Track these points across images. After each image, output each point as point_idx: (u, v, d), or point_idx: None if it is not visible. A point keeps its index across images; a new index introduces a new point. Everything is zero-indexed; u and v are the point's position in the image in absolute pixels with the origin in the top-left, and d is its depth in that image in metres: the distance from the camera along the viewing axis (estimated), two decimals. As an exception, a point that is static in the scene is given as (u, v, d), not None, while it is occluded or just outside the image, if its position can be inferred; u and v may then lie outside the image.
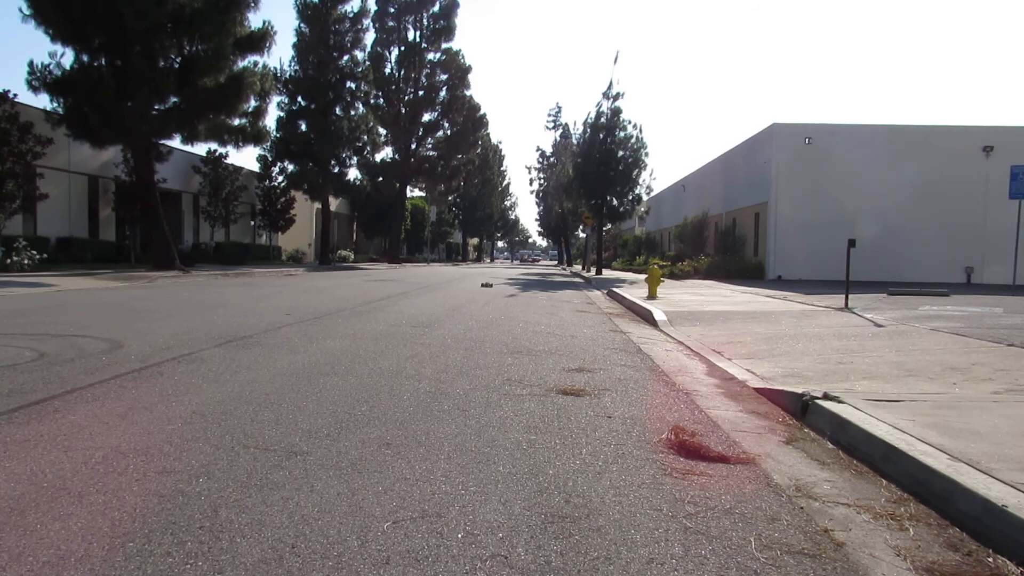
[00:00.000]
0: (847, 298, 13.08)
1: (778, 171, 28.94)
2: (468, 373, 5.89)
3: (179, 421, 4.07)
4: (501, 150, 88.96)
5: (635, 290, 18.19)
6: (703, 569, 2.40)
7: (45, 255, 24.49)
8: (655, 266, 17.48)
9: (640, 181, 34.18)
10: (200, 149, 35.23)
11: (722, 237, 34.24)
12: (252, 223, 43.53)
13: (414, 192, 64.06)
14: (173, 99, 25.68)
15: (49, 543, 2.43)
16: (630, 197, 34.57)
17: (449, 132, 56.83)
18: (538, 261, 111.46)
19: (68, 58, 38.47)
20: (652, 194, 36.73)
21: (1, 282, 17.43)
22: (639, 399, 5.07)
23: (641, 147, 33.82)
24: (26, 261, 22.95)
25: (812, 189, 28.40)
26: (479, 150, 62.84)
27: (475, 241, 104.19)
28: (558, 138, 67.53)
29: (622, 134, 33.70)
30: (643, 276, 23.91)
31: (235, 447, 3.59)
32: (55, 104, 24.79)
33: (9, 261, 22.63)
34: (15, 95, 23.96)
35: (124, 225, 32.23)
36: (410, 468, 3.35)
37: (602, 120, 33.68)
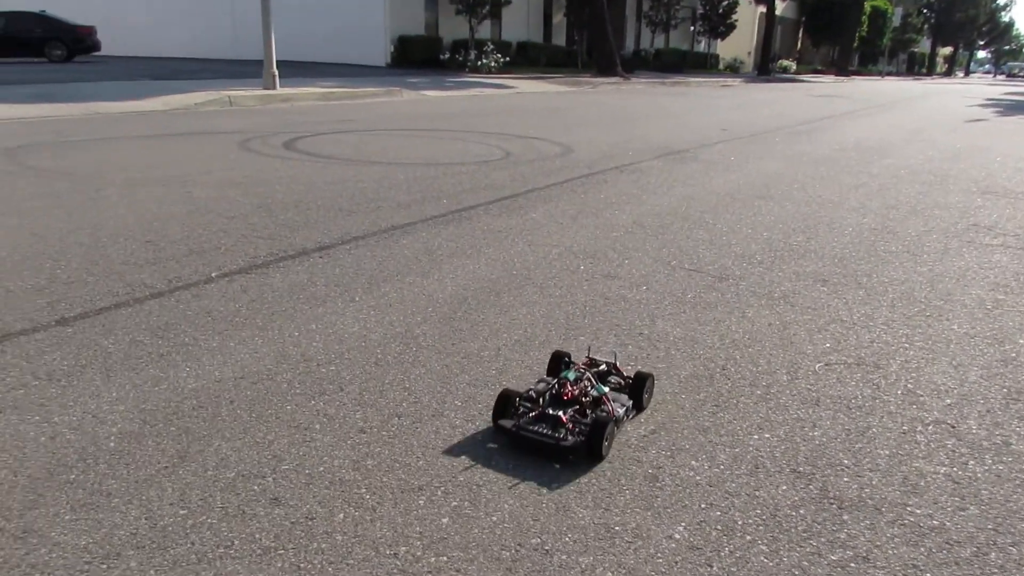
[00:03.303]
0: None
1: None
2: (923, 212, 5.23)
3: (621, 229, 4.37)
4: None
5: None
6: None
7: (507, 58, 27.27)
8: None
9: None
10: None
11: None
12: (692, 28, 42.64)
13: (876, -10, 55.68)
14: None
15: (518, 324, 2.87)
16: None
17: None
18: None
19: None
20: None
21: (473, 82, 20.02)
22: None
23: None
24: (492, 64, 25.87)
25: None
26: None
27: (946, 51, 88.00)
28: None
29: None
30: None
31: (671, 262, 3.76)
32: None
33: (480, 63, 25.75)
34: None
35: (573, 30, 34.06)
36: (847, 310, 3.17)
37: None
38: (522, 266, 3.59)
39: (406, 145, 7.79)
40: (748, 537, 1.68)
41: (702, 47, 44.36)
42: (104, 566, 1.50)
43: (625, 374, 2.26)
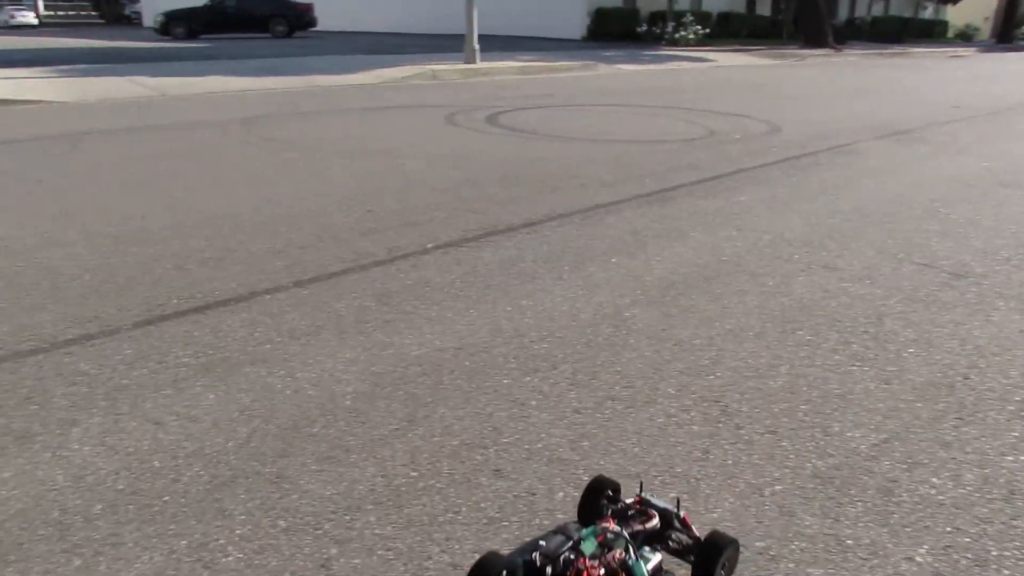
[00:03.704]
0: None
1: None
2: None
3: (839, 216, 4.08)
4: None
5: None
6: None
7: (707, 30, 26.25)
8: None
9: None
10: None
11: None
12: (916, -6, 38.84)
13: None
14: None
15: (731, 313, 2.76)
16: None
17: None
18: None
19: None
20: None
21: (671, 56, 19.48)
22: None
23: None
24: (691, 36, 25.01)
25: None
26: None
27: None
28: None
29: None
30: None
31: (898, 255, 3.46)
32: None
33: (678, 36, 24.98)
34: None
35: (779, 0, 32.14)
36: (1118, 321, 2.76)
37: None
38: (732, 252, 3.45)
39: (605, 121, 7.74)
40: (1006, 572, 1.51)
41: (928, 13, 40.27)
42: (348, 517, 1.62)
43: (695, 532, 1.46)
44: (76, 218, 3.90)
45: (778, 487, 1.76)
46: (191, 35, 25.25)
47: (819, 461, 1.86)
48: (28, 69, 11.60)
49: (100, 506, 1.66)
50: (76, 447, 1.88)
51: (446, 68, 13.34)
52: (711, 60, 19.03)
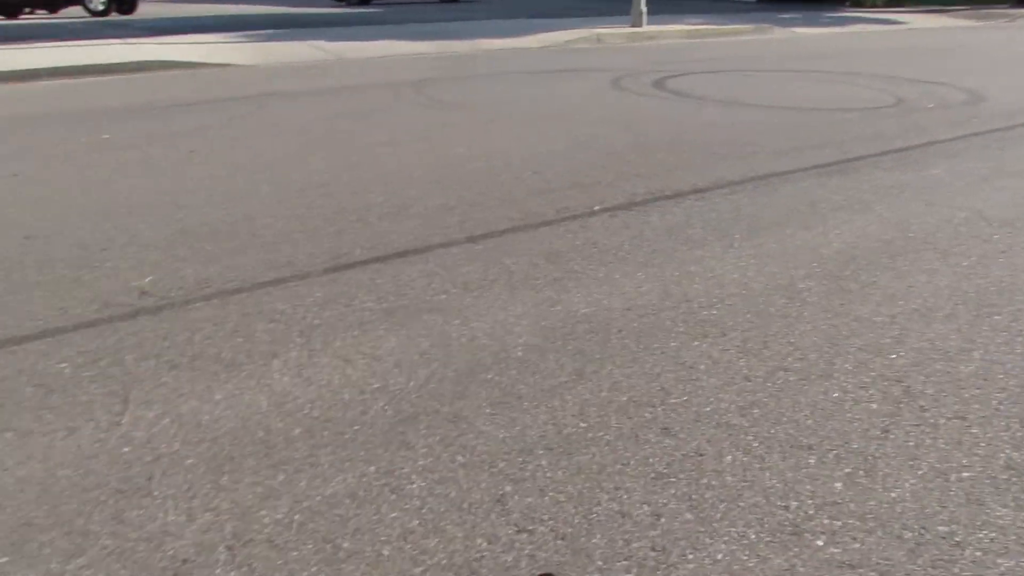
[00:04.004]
0: None
1: None
2: None
3: (1048, 195, 3.70)
4: None
5: None
6: None
7: (900, -9, 24.15)
8: None
9: None
10: None
11: None
12: None
13: None
14: None
15: (917, 293, 2.60)
16: None
17: None
18: None
19: None
20: None
21: (855, 18, 18.14)
22: None
23: None
24: (880, -2, 23.12)
25: None
26: None
27: None
28: None
29: None
30: None
31: (1119, 239, 3.10)
32: None
33: (865, -2, 23.17)
34: None
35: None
36: None
37: None
38: (920, 228, 3.23)
39: (779, 87, 7.37)
40: None
41: None
42: (520, 459, 1.70)
43: None
44: (267, 173, 4.23)
45: (966, 474, 1.66)
46: (364, 1, 26.32)
47: (1014, 452, 1.74)
48: (217, 34, 12.54)
49: (299, 430, 1.83)
50: (277, 377, 2.08)
51: (611, 32, 13.15)
52: (902, 22, 17.56)
